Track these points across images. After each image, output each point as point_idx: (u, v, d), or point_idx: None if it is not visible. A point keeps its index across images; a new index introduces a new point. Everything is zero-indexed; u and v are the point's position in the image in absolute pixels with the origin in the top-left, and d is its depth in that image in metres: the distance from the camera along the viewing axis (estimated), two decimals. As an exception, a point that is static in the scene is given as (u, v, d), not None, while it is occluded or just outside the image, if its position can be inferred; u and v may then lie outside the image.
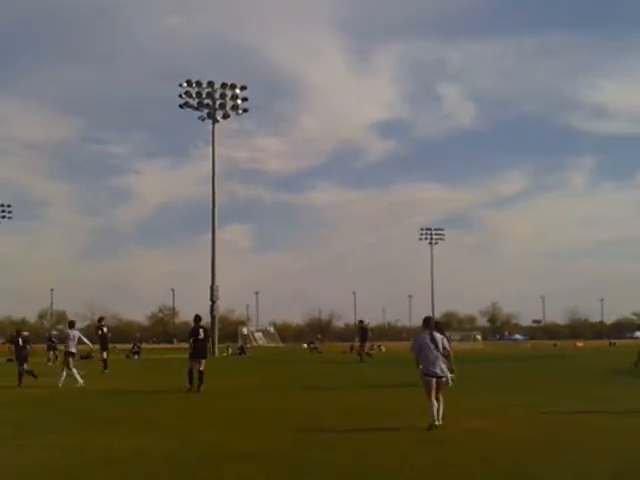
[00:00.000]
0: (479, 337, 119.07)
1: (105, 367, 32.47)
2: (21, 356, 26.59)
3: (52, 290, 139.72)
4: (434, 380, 12.66)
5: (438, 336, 13.21)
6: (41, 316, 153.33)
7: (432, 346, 12.96)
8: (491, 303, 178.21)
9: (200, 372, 20.88)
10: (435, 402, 12.52)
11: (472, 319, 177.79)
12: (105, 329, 34.43)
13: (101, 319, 38.32)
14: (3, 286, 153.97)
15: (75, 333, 25.49)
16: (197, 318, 22.30)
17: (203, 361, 21.11)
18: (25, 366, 26.19)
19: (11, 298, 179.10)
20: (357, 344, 48.78)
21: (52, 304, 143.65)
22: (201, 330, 21.37)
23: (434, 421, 12.33)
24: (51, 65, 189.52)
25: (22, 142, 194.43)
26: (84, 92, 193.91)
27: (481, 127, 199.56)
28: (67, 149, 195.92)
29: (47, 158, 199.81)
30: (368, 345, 50.28)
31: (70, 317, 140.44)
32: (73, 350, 25.11)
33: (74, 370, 24.60)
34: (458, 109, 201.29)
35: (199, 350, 21.26)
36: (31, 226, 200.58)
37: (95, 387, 23.50)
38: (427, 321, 13.95)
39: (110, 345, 36.87)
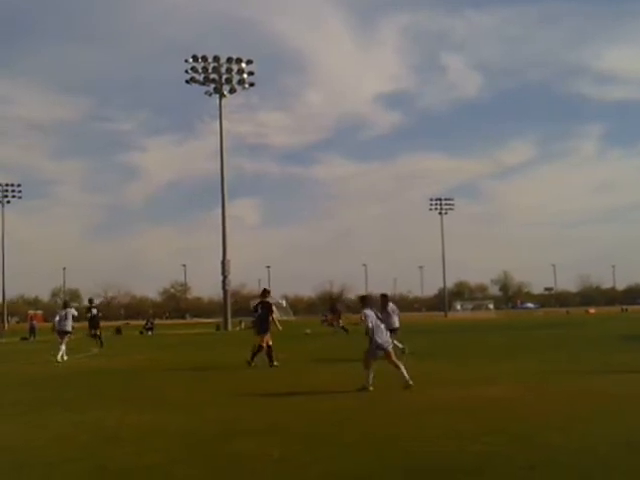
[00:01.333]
0: (491, 306, 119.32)
1: (101, 344, 33.81)
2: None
3: (64, 269, 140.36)
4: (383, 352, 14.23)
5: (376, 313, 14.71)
6: (54, 294, 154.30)
7: (379, 321, 14.43)
8: (502, 272, 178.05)
9: (268, 347, 20.52)
10: (397, 368, 14.16)
11: (483, 288, 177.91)
12: (95, 311, 35.63)
13: (91, 301, 40.72)
14: (15, 265, 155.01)
15: (69, 312, 26.09)
16: (262, 293, 21.91)
17: (264, 336, 20.59)
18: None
19: (24, 277, 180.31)
20: (330, 317, 50.08)
21: (65, 282, 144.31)
22: (259, 306, 21.11)
23: (369, 385, 13.99)
24: (56, 45, 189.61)
25: (29, 123, 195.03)
26: (90, 71, 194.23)
27: (486, 97, 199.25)
28: (74, 128, 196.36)
29: (54, 138, 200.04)
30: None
31: (84, 295, 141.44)
32: (69, 329, 26.15)
33: (63, 347, 25.51)
34: (463, 79, 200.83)
35: (258, 325, 21.09)
36: (41, 205, 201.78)
37: (108, 364, 23.60)
38: (364, 299, 15.25)
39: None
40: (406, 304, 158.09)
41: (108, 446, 8.97)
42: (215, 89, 69.68)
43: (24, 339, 52.64)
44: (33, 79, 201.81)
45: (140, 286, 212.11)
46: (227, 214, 69.56)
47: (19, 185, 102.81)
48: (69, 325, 26.24)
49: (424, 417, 10.69)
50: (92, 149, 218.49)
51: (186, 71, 69.38)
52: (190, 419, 11.11)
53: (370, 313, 14.41)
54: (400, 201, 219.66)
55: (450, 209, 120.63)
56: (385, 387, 14.52)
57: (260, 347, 20.46)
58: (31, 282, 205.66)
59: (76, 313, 26.92)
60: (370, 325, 14.18)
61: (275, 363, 20.17)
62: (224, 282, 69.19)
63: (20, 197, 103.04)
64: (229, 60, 69.62)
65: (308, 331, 49.85)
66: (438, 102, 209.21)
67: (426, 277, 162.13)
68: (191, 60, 69.17)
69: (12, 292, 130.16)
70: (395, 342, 21.44)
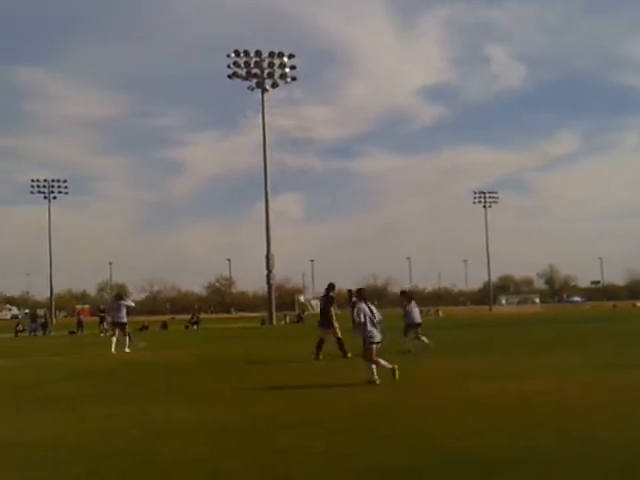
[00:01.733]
0: (537, 300, 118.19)
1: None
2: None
3: (110, 263, 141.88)
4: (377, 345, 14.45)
5: (372, 307, 14.78)
6: (100, 289, 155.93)
7: (372, 315, 14.56)
8: (548, 265, 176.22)
9: (338, 340, 20.78)
10: (378, 363, 14.23)
11: (529, 282, 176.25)
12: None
13: (118, 296, 41.47)
14: (63, 260, 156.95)
15: (122, 303, 26.69)
16: (328, 287, 22.01)
17: (331, 330, 20.86)
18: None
19: (71, 272, 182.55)
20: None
21: (111, 277, 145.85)
22: (321, 299, 21.20)
23: (376, 379, 14.06)
24: (100, 42, 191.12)
25: (74, 119, 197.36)
26: (134, 67, 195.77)
27: (530, 88, 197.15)
28: (119, 124, 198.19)
29: (99, 134, 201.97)
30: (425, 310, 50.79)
31: (130, 290, 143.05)
32: (123, 320, 26.82)
33: (114, 339, 26.45)
34: (507, 70, 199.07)
35: (322, 319, 21.25)
36: (86, 201, 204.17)
37: (154, 358, 23.86)
38: (362, 292, 15.48)
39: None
40: (450, 298, 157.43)
41: (155, 440, 9.10)
42: (257, 84, 69.88)
43: (72, 333, 53.34)
44: (78, 76, 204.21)
45: (185, 281, 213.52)
46: (270, 208, 69.86)
47: (65, 181, 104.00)
48: (123, 317, 26.85)
49: (465, 411, 10.68)
50: (136, 145, 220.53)
51: (228, 66, 69.68)
52: (235, 413, 11.22)
53: (364, 307, 14.53)
54: (444, 194, 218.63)
55: (494, 202, 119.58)
56: (425, 380, 14.55)
57: (339, 339, 20.74)
58: (78, 277, 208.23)
59: (132, 304, 27.79)
60: (362, 320, 14.36)
61: (321, 357, 20.37)
62: (268, 276, 69.43)
63: (66, 193, 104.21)
64: (271, 54, 69.77)
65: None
66: (481, 94, 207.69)
67: (470, 271, 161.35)
68: (233, 55, 69.43)
69: (60, 287, 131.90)
70: (422, 337, 21.88)
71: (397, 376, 14.02)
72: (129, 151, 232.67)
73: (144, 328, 55.30)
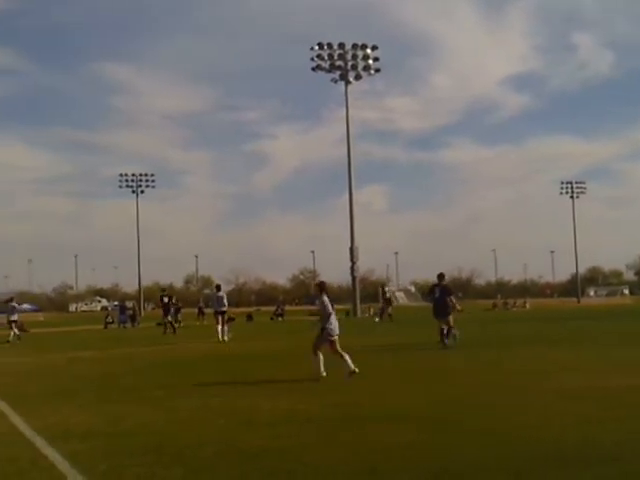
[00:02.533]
0: (627, 291, 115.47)
1: (174, 331, 37.82)
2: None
3: (196, 256, 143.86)
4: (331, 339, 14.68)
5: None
6: (187, 281, 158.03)
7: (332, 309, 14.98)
8: (638, 257, 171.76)
9: (448, 329, 21.07)
10: (341, 357, 14.53)
11: (618, 274, 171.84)
12: (166, 299, 39.77)
13: (163, 289, 46.94)
14: (150, 253, 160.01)
15: (221, 295, 29.39)
16: (438, 276, 22.30)
17: (446, 319, 21.17)
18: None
19: (158, 264, 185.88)
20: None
21: (197, 269, 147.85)
22: (437, 289, 21.41)
23: (320, 373, 14.36)
24: (183, 37, 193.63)
25: (160, 114, 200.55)
26: (217, 61, 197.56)
27: (619, 75, 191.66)
28: (204, 118, 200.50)
29: (184, 128, 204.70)
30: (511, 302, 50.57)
31: (216, 282, 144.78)
32: (224, 309, 29.13)
33: (219, 327, 28.55)
34: (594, 58, 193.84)
35: (436, 309, 21.39)
36: (172, 194, 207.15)
37: (240, 349, 24.11)
38: (323, 285, 15.85)
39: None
40: (537, 290, 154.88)
41: (241, 430, 9.20)
42: (341, 76, 69.78)
43: (159, 324, 54.24)
44: (164, 71, 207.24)
45: (270, 273, 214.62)
46: (355, 200, 69.79)
47: (152, 175, 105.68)
48: (224, 306, 29.08)
49: (553, 405, 10.53)
50: (221, 139, 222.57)
51: (312, 59, 69.80)
52: (320, 404, 11.26)
53: (327, 300, 14.86)
54: (529, 185, 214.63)
55: (582, 192, 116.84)
56: (513, 374, 14.38)
57: (449, 329, 21.03)
58: (165, 269, 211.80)
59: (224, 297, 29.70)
60: (330, 311, 14.72)
61: (446, 342, 20.78)
62: (353, 268, 69.42)
63: (153, 187, 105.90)
64: (354, 46, 69.59)
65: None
66: (568, 82, 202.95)
67: (557, 262, 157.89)
68: (317, 48, 69.49)
69: (147, 279, 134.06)
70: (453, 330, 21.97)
71: (351, 372, 14.18)
72: (214, 145, 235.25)
73: (230, 320, 55.85)
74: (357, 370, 14.15)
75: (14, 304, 36.47)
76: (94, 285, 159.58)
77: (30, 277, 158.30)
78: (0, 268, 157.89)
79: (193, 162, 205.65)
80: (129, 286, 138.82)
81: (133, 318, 55.78)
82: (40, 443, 8.61)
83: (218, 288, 31.00)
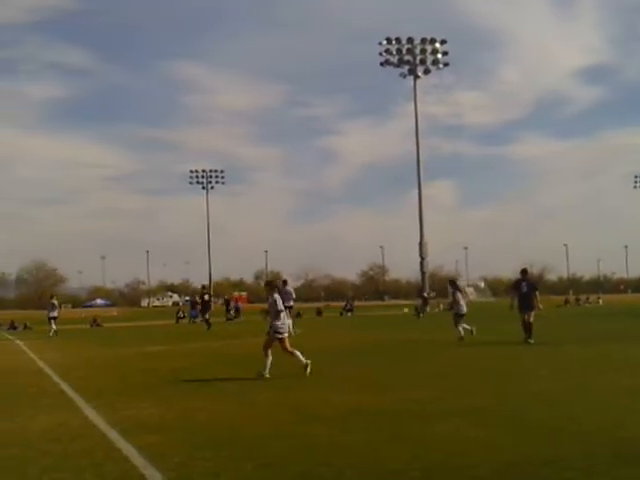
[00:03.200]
0: None
1: (208, 327, 38.42)
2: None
3: (266, 252, 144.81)
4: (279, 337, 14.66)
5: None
6: (257, 277, 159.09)
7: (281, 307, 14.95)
8: None
9: (529, 324, 21.00)
10: (291, 354, 14.61)
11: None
12: (207, 297, 41.50)
13: (204, 287, 49.05)
14: (221, 248, 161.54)
15: (288, 290, 29.36)
16: (522, 271, 22.39)
17: (531, 313, 21.11)
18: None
19: (228, 260, 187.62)
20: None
21: (267, 265, 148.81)
22: (523, 283, 21.41)
23: (266, 372, 14.32)
24: (253, 33, 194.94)
25: (230, 110, 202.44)
26: (286, 57, 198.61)
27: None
28: (273, 115, 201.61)
29: (255, 124, 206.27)
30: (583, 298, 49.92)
31: (285, 277, 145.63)
32: (291, 304, 29.05)
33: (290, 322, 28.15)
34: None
35: (522, 302, 21.35)
36: (243, 190, 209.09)
37: (307, 344, 24.14)
38: (273, 283, 16.35)
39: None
40: (610, 286, 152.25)
41: (314, 424, 9.18)
42: (409, 70, 69.58)
43: (229, 320, 54.78)
44: (234, 68, 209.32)
45: (339, 268, 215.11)
46: (423, 195, 69.53)
47: (222, 171, 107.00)
48: (291, 301, 29.32)
49: (635, 403, 10.28)
50: (290, 135, 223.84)
51: (380, 54, 69.67)
52: (390, 399, 11.19)
53: (278, 298, 14.92)
54: (603, 179, 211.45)
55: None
56: (591, 371, 14.12)
57: (529, 323, 20.94)
58: (235, 265, 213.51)
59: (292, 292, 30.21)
60: (280, 309, 14.65)
61: (531, 340, 20.59)
62: (422, 264, 69.21)
63: (223, 183, 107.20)
64: (423, 41, 69.29)
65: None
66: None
67: (632, 257, 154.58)
68: (385, 42, 69.32)
69: (218, 274, 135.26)
70: (464, 325, 22.76)
71: (309, 371, 14.30)
72: (284, 141, 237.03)
73: (298, 315, 56.17)
74: (309, 362, 14.33)
75: (54, 301, 37.34)
76: (165, 280, 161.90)
77: (103, 273, 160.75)
78: (74, 264, 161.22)
79: (263, 158, 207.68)
80: (199, 281, 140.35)
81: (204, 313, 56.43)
82: (113, 436, 8.69)
83: (285, 283, 31.28)
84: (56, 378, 15.80)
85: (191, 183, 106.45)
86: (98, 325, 53.42)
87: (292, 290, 30.94)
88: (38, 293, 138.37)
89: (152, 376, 15.88)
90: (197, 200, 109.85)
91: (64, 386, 14.19)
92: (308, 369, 14.26)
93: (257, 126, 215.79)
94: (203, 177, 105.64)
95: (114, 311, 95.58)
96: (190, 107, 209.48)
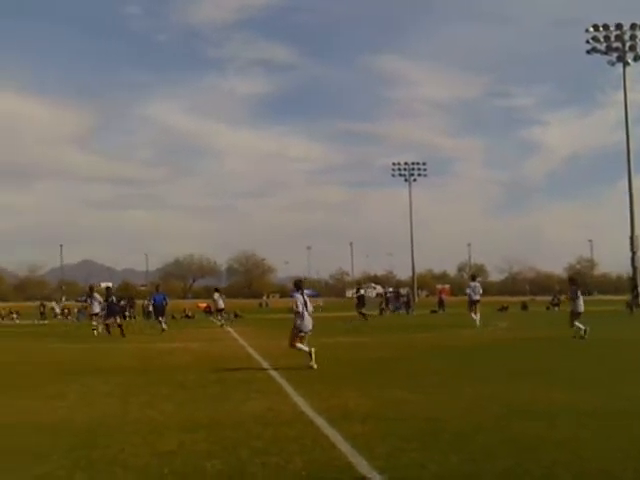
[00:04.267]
0: None
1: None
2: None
3: (469, 244, 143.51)
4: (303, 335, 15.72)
5: (306, 298, 15.95)
6: (460, 269, 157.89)
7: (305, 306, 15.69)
8: None
9: None
10: (302, 349, 15.51)
11: None
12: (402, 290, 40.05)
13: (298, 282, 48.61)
14: (423, 240, 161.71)
15: (474, 284, 30.85)
16: None
17: None
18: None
19: (431, 252, 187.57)
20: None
21: (470, 258, 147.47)
22: None
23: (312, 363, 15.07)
24: (454, 25, 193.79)
25: (432, 102, 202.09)
26: (489, 48, 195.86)
27: None
28: (474, 106, 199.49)
29: (455, 116, 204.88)
30: None
31: (489, 270, 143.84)
32: (477, 298, 30.16)
33: (472, 315, 29.94)
34: None
35: None
36: (444, 182, 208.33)
37: (514, 337, 23.81)
38: (299, 283, 16.51)
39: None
40: None
41: (518, 419, 9.08)
42: (618, 58, 66.82)
43: (433, 312, 54.81)
44: (434, 60, 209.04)
45: (544, 261, 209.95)
46: (634, 187, 66.65)
47: (424, 163, 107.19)
48: (478, 295, 30.05)
49: None
50: (491, 125, 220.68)
51: (587, 41, 67.36)
52: (607, 395, 10.91)
53: (300, 297, 15.63)
54: None
55: None
56: None
57: None
58: (438, 257, 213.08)
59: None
60: (300, 309, 15.43)
61: None
62: (633, 259, 66.37)
63: (425, 175, 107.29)
64: (633, 26, 66.35)
65: None
66: None
67: None
68: (592, 30, 66.95)
69: (421, 266, 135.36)
70: (577, 324, 22.00)
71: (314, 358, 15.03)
72: (485, 132, 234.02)
73: (503, 309, 55.45)
74: (315, 366, 14.92)
75: (95, 295, 37.39)
76: (368, 272, 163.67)
77: (309, 263, 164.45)
78: (281, 254, 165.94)
79: (464, 149, 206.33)
80: (403, 273, 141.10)
81: (407, 305, 56.73)
82: (321, 423, 8.95)
83: (473, 278, 32.09)
84: (265, 364, 16.40)
85: (393, 175, 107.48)
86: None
87: (479, 285, 31.03)
88: (247, 282, 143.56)
89: (355, 367, 16.21)
90: (399, 192, 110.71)
91: (273, 372, 14.75)
92: (313, 364, 15.03)
93: (458, 117, 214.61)
94: (405, 169, 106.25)
95: (320, 301, 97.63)
96: (393, 100, 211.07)
